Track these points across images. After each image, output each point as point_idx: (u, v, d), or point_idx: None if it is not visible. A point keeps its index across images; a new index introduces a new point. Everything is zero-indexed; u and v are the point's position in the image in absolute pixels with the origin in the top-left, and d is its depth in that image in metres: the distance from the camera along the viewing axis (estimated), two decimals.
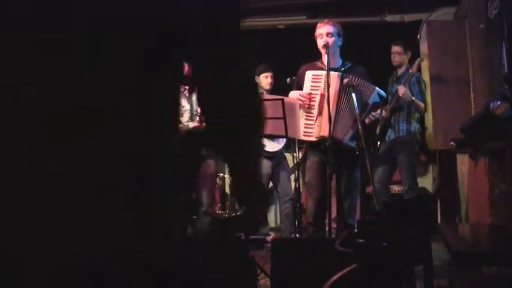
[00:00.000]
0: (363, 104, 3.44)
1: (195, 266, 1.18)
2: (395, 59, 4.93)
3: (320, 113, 3.42)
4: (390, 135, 4.84)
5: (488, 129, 3.81)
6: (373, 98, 3.44)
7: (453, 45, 5.17)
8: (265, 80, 5.16)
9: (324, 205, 3.48)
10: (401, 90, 4.59)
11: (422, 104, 4.70)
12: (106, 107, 0.91)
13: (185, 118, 3.75)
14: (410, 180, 4.66)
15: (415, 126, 4.83)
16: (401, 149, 4.71)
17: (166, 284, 0.98)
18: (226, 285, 2.67)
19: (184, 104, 3.77)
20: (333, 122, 3.38)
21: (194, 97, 3.79)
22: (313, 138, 3.48)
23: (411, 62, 4.97)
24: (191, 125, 3.47)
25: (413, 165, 4.77)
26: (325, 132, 3.33)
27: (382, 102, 3.60)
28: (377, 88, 3.50)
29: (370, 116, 3.50)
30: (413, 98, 4.59)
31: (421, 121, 5.06)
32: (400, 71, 4.93)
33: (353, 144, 3.47)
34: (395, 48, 4.97)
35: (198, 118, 3.40)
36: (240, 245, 2.93)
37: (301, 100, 3.45)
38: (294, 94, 3.53)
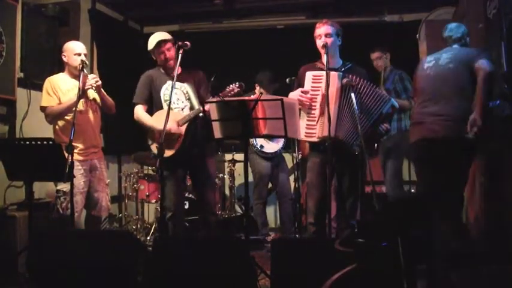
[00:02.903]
0: (377, 113, 3.39)
1: None
2: (378, 64, 5.01)
3: (322, 114, 3.40)
4: None
5: (487, 128, 3.80)
6: (387, 109, 3.41)
7: None
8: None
9: (325, 205, 3.47)
10: None
11: (405, 102, 4.77)
12: None
13: (186, 111, 3.90)
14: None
15: (406, 123, 4.89)
16: (390, 150, 4.85)
17: None
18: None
19: (183, 100, 3.92)
20: (335, 122, 3.37)
21: (191, 93, 3.91)
22: (315, 139, 3.47)
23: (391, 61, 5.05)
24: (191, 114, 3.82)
25: (398, 167, 4.94)
26: (327, 132, 3.31)
27: (395, 112, 3.58)
28: (392, 99, 3.46)
29: (384, 126, 3.46)
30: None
31: None
32: (385, 73, 4.98)
33: (357, 148, 3.46)
34: (374, 55, 5.05)
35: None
36: (240, 245, 2.93)
37: (302, 99, 3.44)
38: (294, 94, 3.52)
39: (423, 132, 3.48)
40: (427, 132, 3.44)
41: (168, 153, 3.78)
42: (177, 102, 3.90)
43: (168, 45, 3.87)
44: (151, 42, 3.87)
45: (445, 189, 3.38)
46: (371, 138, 3.47)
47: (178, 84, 3.88)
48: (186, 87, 3.92)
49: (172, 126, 3.72)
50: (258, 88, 5.07)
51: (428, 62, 3.66)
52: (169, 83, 3.87)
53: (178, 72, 3.82)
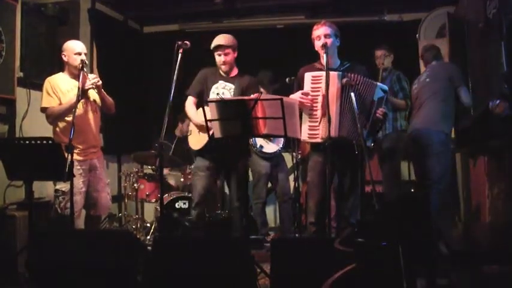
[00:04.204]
0: (369, 102, 3.41)
1: None
2: (383, 61, 4.99)
3: (324, 114, 3.38)
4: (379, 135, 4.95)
5: (487, 128, 3.82)
6: (377, 94, 3.44)
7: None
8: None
9: (325, 205, 3.47)
10: None
11: (401, 101, 4.82)
12: None
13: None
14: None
15: (402, 123, 4.92)
16: (386, 150, 4.88)
17: None
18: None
19: None
20: (338, 122, 3.37)
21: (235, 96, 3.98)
22: (319, 140, 3.47)
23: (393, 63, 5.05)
24: None
25: (395, 166, 4.99)
26: (331, 132, 3.31)
27: (387, 95, 3.59)
28: (379, 84, 3.49)
29: (379, 111, 3.47)
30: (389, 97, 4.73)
31: None
32: (383, 73, 4.98)
33: (371, 143, 3.46)
34: (381, 52, 5.03)
35: None
36: (240, 244, 2.93)
37: (303, 101, 3.44)
38: (295, 96, 3.52)
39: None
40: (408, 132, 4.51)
41: (197, 146, 4.05)
42: None
43: (226, 50, 4.01)
44: (213, 44, 4.03)
45: (425, 175, 4.20)
46: (372, 130, 3.48)
47: (228, 86, 4.05)
48: (233, 90, 4.03)
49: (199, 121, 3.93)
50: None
51: (414, 84, 4.57)
52: (220, 82, 4.07)
53: (234, 74, 4.09)
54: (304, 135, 3.49)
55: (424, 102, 4.36)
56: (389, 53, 5.04)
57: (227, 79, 4.08)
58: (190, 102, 4.14)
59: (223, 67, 4.06)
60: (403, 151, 5.00)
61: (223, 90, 4.04)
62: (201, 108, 3.98)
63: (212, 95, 4.01)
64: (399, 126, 4.91)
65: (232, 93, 4.01)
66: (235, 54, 4.09)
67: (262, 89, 4.98)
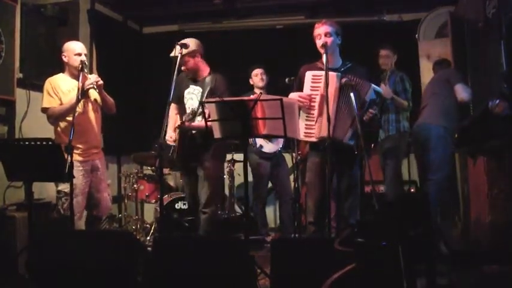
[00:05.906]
0: (361, 102, 3.42)
1: None
2: (386, 62, 5.02)
3: (320, 114, 3.40)
4: (381, 135, 4.96)
5: (487, 128, 3.82)
6: (370, 96, 3.44)
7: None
8: (256, 78, 5.14)
9: (324, 205, 3.47)
10: (382, 88, 4.72)
11: (404, 102, 4.85)
12: None
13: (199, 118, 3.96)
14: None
15: (404, 124, 4.94)
16: (388, 150, 4.89)
17: None
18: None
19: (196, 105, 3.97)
20: (333, 122, 3.38)
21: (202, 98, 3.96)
22: (314, 139, 3.47)
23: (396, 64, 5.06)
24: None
25: (397, 167, 5.02)
26: (325, 132, 3.31)
27: (379, 98, 3.59)
28: (373, 85, 3.49)
29: (368, 112, 3.48)
30: (393, 96, 4.76)
31: None
32: (387, 73, 5.00)
33: (352, 142, 3.46)
34: (385, 52, 5.07)
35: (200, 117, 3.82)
36: (240, 245, 2.93)
37: (301, 101, 3.44)
38: (293, 96, 3.52)
39: None
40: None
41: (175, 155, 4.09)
42: (192, 106, 3.99)
43: (184, 58, 3.96)
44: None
45: (425, 168, 4.45)
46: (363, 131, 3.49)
47: (196, 89, 4.03)
48: (201, 93, 4.00)
49: (171, 134, 4.01)
50: (258, 75, 5.12)
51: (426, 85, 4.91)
52: (190, 87, 4.07)
53: (202, 77, 4.05)
54: (301, 133, 3.50)
55: (426, 103, 4.63)
56: (394, 54, 5.07)
57: (196, 83, 4.07)
58: (171, 109, 4.02)
59: (188, 73, 4.07)
60: (405, 149, 5.03)
61: (192, 95, 4.04)
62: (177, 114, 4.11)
63: (185, 100, 4.04)
64: (402, 128, 4.93)
65: (199, 96, 3.98)
66: (197, 59, 4.02)
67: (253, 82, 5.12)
